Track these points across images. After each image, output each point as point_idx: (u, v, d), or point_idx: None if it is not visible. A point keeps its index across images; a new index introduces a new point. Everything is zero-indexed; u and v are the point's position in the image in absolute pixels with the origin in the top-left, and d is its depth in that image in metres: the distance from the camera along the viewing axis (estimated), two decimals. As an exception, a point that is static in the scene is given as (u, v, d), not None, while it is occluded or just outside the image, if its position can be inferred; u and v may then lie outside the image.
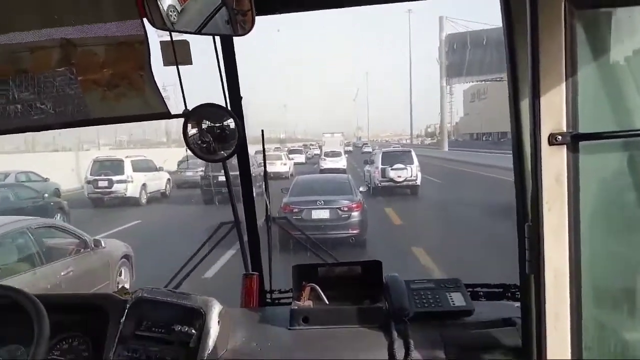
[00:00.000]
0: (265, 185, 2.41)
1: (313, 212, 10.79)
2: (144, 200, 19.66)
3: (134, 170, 19.64)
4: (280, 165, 26.75)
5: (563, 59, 1.38)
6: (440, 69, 60.14)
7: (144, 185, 19.77)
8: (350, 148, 63.01)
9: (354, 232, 10.72)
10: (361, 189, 12.76)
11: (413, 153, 20.93)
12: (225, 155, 1.89)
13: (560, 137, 1.40)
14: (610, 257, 1.58)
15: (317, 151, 49.09)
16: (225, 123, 1.85)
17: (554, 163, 1.42)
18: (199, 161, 17.31)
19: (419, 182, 19.80)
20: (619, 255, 1.59)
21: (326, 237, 9.78)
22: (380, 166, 20.18)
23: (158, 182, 21.29)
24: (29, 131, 1.82)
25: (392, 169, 19.73)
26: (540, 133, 1.40)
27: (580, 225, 1.46)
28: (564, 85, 1.38)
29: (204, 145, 1.85)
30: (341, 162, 29.76)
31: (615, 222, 1.60)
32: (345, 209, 10.85)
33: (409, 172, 19.72)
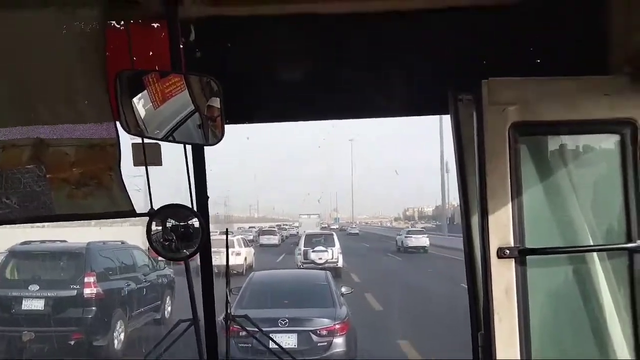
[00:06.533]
0: (227, 281, 2.40)
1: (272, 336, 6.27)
2: None
3: None
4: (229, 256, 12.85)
5: (508, 179, 1.51)
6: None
7: None
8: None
9: None
10: (343, 290, 8.99)
11: (335, 236, 21.17)
12: (188, 253, 1.90)
13: (508, 251, 1.50)
14: None
15: (293, 231, 48.54)
16: (189, 222, 1.88)
17: (503, 275, 1.50)
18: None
19: (340, 264, 19.65)
20: None
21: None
22: (302, 248, 20.34)
23: None
24: None
25: (313, 251, 19.97)
26: (489, 247, 1.50)
27: (531, 335, 1.52)
28: (509, 203, 1.51)
29: (167, 244, 1.86)
30: None
31: (563, 333, 1.67)
32: (324, 332, 6.95)
33: (330, 255, 19.85)
